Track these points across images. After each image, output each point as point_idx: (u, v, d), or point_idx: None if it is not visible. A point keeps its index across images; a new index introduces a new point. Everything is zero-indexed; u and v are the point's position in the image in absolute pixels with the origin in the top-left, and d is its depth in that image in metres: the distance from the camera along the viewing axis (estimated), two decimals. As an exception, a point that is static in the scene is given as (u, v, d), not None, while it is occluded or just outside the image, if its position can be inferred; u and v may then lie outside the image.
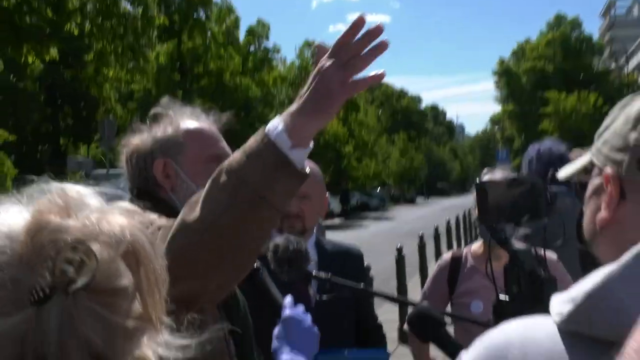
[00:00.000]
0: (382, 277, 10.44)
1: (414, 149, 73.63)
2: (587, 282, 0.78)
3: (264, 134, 1.25)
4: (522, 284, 1.37)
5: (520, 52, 60.82)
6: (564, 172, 1.09)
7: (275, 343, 1.48)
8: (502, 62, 61.65)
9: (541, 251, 1.45)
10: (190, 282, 1.30)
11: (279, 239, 1.79)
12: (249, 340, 1.76)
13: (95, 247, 0.65)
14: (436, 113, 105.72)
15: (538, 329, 0.82)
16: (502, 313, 1.36)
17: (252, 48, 34.63)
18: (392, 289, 9.30)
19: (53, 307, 0.62)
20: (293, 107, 1.24)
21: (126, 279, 0.68)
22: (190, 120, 1.72)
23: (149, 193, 1.66)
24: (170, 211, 1.50)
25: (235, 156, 1.28)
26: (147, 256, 0.71)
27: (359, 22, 1.22)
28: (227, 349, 1.63)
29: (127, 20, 19.59)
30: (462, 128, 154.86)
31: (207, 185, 1.29)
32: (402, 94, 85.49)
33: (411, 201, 67.53)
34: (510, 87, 59.57)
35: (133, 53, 18.88)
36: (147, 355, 0.69)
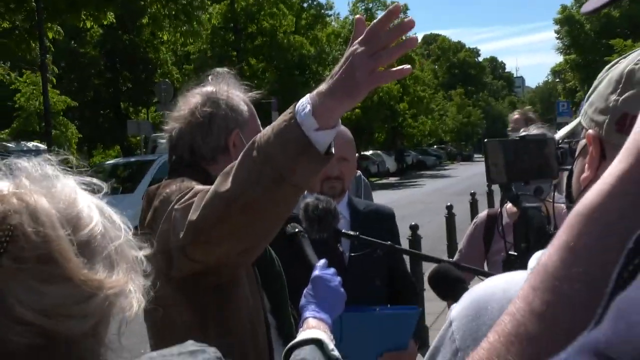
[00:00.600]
0: (437, 235, 10.36)
1: (471, 104, 71.97)
2: None
3: (293, 114, 1.31)
4: (531, 240, 1.41)
5: (583, -2, 57.81)
6: (559, 134, 1.12)
7: (303, 300, 1.57)
8: (564, 8, 58.84)
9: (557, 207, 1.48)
10: (218, 246, 1.43)
11: (309, 199, 1.86)
12: (284, 296, 1.86)
13: (15, 222, 0.70)
14: (495, 65, 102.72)
15: (518, 283, 0.88)
16: (510, 268, 1.39)
17: (304, 5, 34.31)
18: (444, 247, 9.28)
19: None
20: (323, 87, 1.30)
21: (47, 248, 0.71)
22: (243, 92, 1.82)
23: (188, 161, 1.76)
24: (205, 180, 1.62)
25: (265, 132, 1.36)
26: (80, 225, 0.75)
27: (395, 11, 1.28)
28: (262, 303, 1.75)
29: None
30: (522, 80, 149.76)
31: (239, 157, 1.38)
32: (458, 46, 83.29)
33: (468, 158, 66.34)
34: (573, 36, 56.72)
35: (186, 16, 19.02)
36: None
